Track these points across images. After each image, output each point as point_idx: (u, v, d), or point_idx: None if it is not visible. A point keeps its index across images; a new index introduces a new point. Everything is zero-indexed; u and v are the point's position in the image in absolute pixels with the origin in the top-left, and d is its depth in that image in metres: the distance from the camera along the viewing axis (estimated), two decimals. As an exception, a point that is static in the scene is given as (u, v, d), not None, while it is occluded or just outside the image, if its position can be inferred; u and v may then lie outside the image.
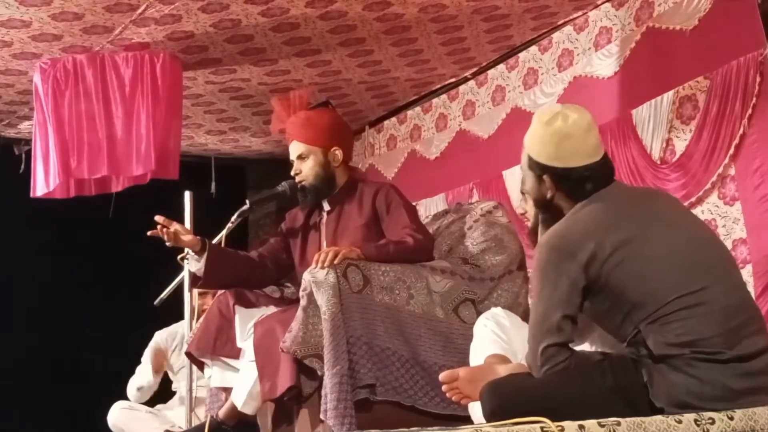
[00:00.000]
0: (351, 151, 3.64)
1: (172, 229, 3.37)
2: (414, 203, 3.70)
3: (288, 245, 3.58)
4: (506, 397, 2.25)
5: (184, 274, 3.71)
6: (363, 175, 3.90)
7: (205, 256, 3.38)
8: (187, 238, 3.39)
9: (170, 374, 4.87)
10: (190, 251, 3.44)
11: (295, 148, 3.48)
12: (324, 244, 3.44)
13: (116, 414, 4.56)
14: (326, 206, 3.51)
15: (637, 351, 2.23)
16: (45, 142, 4.67)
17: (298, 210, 3.61)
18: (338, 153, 3.46)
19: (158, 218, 3.38)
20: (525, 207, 2.72)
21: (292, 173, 3.49)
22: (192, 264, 3.46)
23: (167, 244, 3.42)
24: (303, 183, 3.47)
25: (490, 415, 2.24)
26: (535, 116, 2.43)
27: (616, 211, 2.28)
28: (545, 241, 2.26)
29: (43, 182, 4.69)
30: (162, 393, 4.88)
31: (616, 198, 2.32)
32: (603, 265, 2.18)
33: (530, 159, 2.40)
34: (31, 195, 4.79)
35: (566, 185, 2.33)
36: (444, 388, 2.49)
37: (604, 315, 2.27)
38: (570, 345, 2.25)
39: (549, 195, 2.36)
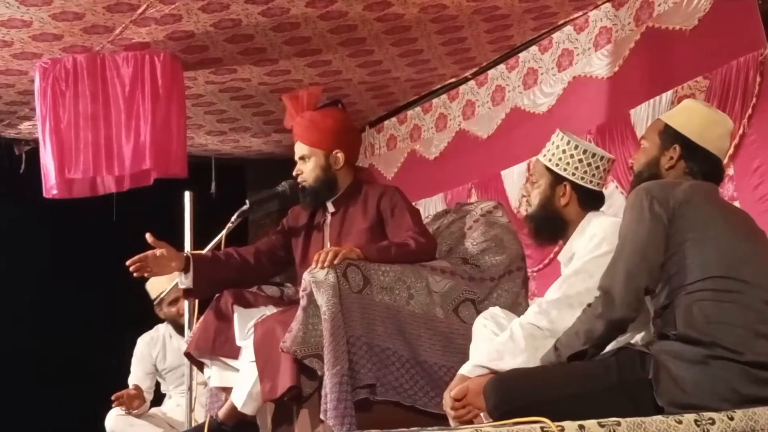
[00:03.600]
0: (356, 153, 3.64)
1: (158, 253, 3.34)
2: (413, 203, 3.70)
3: (288, 242, 3.57)
4: (510, 391, 2.26)
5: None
6: (370, 175, 3.86)
7: (191, 274, 3.37)
8: (172, 265, 3.37)
9: (159, 379, 4.86)
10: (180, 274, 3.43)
11: (298, 149, 3.49)
12: (327, 245, 3.42)
13: (113, 420, 4.56)
14: (330, 207, 3.51)
15: (663, 325, 2.25)
16: (48, 144, 4.66)
17: (302, 208, 3.60)
18: (340, 156, 3.46)
19: (150, 239, 3.37)
20: (529, 190, 2.75)
21: (294, 173, 3.50)
22: (181, 281, 3.45)
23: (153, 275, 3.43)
24: (303, 184, 3.47)
25: (494, 410, 2.25)
26: (692, 101, 2.76)
27: (708, 192, 2.48)
28: (645, 186, 2.44)
29: (52, 182, 4.69)
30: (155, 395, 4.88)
31: (714, 189, 2.54)
32: (679, 219, 2.33)
33: (667, 127, 2.60)
34: (45, 195, 4.77)
35: (691, 159, 2.54)
36: (456, 405, 2.48)
37: None
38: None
39: (669, 164, 2.56)
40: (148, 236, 3.33)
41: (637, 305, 2.31)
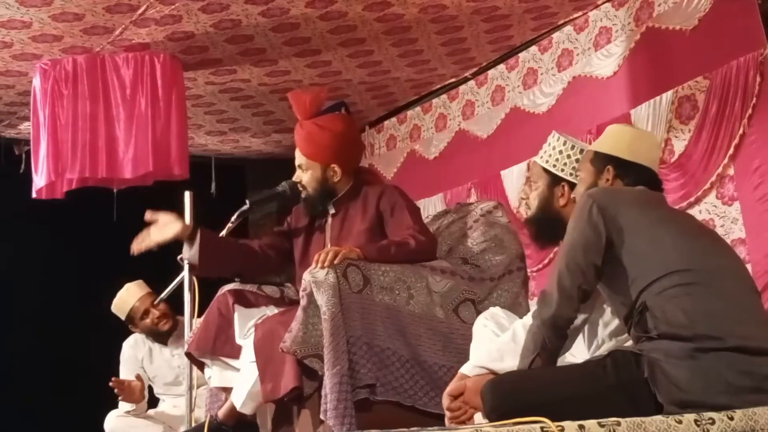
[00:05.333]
0: (355, 162, 3.61)
1: (160, 224, 3.34)
2: (412, 203, 3.69)
3: (291, 239, 3.58)
4: (507, 394, 2.26)
5: (184, 275, 3.71)
6: (372, 175, 3.84)
7: (197, 242, 3.38)
8: (176, 224, 3.37)
9: (150, 382, 4.81)
10: (185, 244, 3.44)
11: (297, 157, 3.52)
12: (328, 246, 3.42)
13: (113, 422, 4.56)
14: (331, 209, 3.52)
15: (643, 330, 2.25)
16: (45, 143, 4.66)
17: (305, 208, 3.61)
18: (337, 170, 3.46)
19: (148, 216, 3.38)
20: (528, 193, 2.77)
21: (294, 180, 3.51)
22: (185, 251, 3.44)
23: (155, 242, 3.41)
24: (303, 191, 3.49)
25: (491, 412, 2.25)
26: (615, 126, 2.82)
27: (654, 197, 2.50)
28: (590, 192, 2.45)
29: (43, 183, 4.69)
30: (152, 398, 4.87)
31: (661, 196, 2.56)
32: (623, 223, 2.32)
33: (597, 154, 2.60)
34: (34, 196, 4.78)
35: (626, 176, 2.54)
36: (453, 405, 2.48)
37: (614, 282, 2.35)
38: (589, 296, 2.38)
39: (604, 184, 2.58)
40: (147, 213, 3.36)
41: (568, 305, 2.33)
